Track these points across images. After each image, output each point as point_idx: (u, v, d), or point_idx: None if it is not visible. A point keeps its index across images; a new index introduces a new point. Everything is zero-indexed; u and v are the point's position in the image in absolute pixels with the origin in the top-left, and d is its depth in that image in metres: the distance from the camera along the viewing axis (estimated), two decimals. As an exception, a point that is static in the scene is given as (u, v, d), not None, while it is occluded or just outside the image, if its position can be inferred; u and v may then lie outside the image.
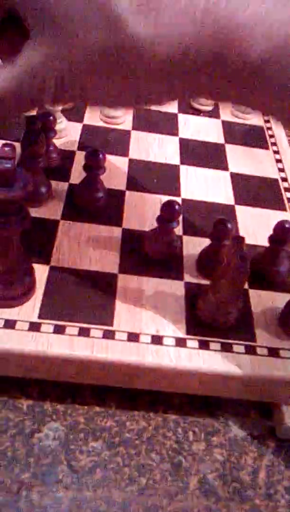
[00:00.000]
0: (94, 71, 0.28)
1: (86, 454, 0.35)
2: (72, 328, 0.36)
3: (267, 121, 0.64)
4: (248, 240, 0.45)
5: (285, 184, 0.54)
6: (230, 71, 0.27)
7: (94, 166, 0.43)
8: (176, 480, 0.35)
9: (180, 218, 0.45)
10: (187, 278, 0.41)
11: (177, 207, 0.39)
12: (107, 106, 0.37)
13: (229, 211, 0.49)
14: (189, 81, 0.28)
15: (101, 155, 0.42)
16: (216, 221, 0.39)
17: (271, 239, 0.41)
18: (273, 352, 0.37)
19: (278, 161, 0.57)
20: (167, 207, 0.39)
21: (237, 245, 0.33)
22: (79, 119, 0.57)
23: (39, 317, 0.36)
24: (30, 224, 0.33)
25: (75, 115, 0.58)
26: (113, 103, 0.32)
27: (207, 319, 0.38)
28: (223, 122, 0.62)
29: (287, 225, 0.40)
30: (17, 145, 0.43)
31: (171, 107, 0.63)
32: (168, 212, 0.39)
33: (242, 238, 0.34)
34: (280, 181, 0.54)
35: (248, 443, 0.38)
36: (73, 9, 0.26)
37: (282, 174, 0.55)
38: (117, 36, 0.26)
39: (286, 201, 0.51)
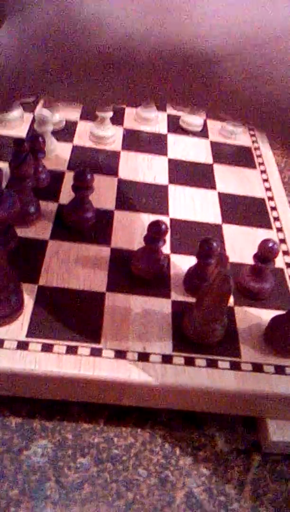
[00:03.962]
0: (48, 52, 0.27)
1: (74, 470, 0.36)
2: (60, 346, 0.37)
3: (254, 142, 0.65)
4: (235, 258, 0.46)
5: (271, 203, 0.55)
6: (189, 69, 0.26)
7: (82, 186, 0.44)
8: (162, 495, 0.35)
9: (168, 237, 0.46)
10: (174, 296, 0.42)
11: (163, 226, 0.40)
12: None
13: (217, 229, 0.50)
14: (133, 78, 0.27)
15: (89, 176, 0.43)
16: (201, 241, 0.40)
17: (255, 257, 0.42)
18: (258, 368, 0.38)
19: (265, 180, 0.59)
20: (154, 226, 0.40)
21: (221, 264, 0.34)
22: (69, 139, 0.58)
23: (27, 335, 0.37)
24: (17, 244, 0.34)
25: (65, 135, 0.59)
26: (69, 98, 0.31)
27: (193, 336, 0.38)
28: (212, 143, 0.64)
29: (270, 244, 0.41)
30: (6, 165, 0.44)
31: (161, 128, 0.64)
32: (154, 232, 0.40)
33: (226, 257, 0.35)
34: (266, 200, 0.55)
35: (234, 457, 0.38)
36: None
37: (269, 193, 0.57)
38: (66, 14, 0.25)
39: (272, 220, 0.53)
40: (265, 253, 0.41)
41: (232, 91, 0.27)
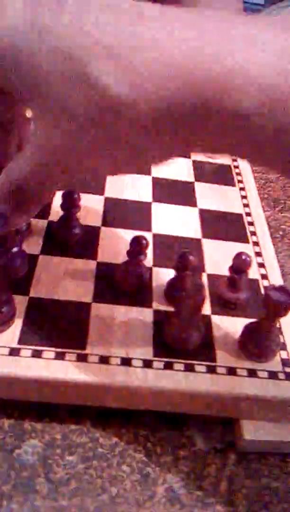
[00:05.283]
0: (85, 139, 0.27)
1: (62, 467, 0.38)
2: (49, 353, 0.40)
3: (234, 160, 0.69)
4: (214, 271, 0.50)
5: (249, 219, 0.59)
6: (218, 123, 0.26)
7: (69, 205, 0.47)
8: (144, 489, 0.38)
9: (150, 251, 0.50)
10: (156, 306, 0.45)
11: (144, 241, 0.44)
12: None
13: (197, 244, 0.53)
14: (175, 136, 0.27)
15: (76, 195, 0.47)
16: (179, 254, 0.43)
17: (230, 269, 0.46)
18: (232, 371, 0.41)
19: (243, 197, 0.62)
20: (135, 242, 0.44)
21: (194, 276, 0.38)
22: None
23: (19, 343, 0.40)
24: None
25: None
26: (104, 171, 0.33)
27: (172, 343, 0.42)
28: (194, 162, 0.67)
29: (243, 257, 0.44)
30: None
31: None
32: (136, 246, 0.44)
33: (199, 269, 0.38)
34: (244, 215, 0.59)
35: (212, 455, 0.41)
36: (53, 75, 0.26)
37: (247, 209, 0.60)
38: (96, 98, 0.26)
39: (249, 234, 0.56)
40: (238, 265, 0.44)
41: (264, 143, 0.27)
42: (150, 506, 0.37)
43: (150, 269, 0.48)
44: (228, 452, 0.42)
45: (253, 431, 0.41)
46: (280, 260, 0.61)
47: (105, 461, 0.39)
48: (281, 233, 0.67)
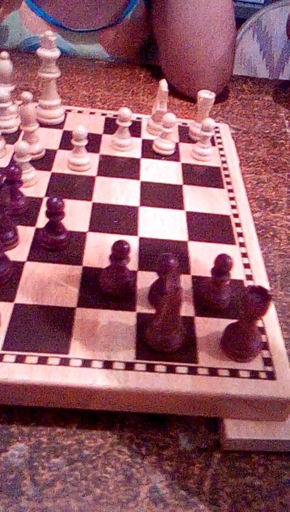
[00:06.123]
0: None
1: (47, 470, 0.39)
2: (32, 357, 0.41)
3: (223, 162, 0.70)
4: (199, 272, 0.50)
5: (236, 220, 0.59)
6: None
7: (53, 212, 0.48)
8: (128, 490, 0.39)
9: (136, 255, 0.51)
10: (139, 309, 0.46)
11: (125, 246, 0.44)
12: None
13: (183, 246, 0.54)
14: None
15: (59, 202, 0.48)
16: (159, 257, 0.44)
17: (213, 271, 0.46)
18: (213, 372, 0.42)
19: (232, 198, 0.63)
20: (116, 246, 0.44)
21: (173, 278, 0.38)
22: (48, 168, 0.63)
23: (3, 348, 0.41)
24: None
25: (44, 164, 0.63)
26: None
27: (153, 345, 0.42)
28: (183, 165, 0.68)
29: (224, 258, 0.45)
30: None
31: (135, 153, 0.69)
32: (117, 251, 0.44)
33: (177, 271, 0.39)
34: (231, 217, 0.59)
35: (196, 455, 0.42)
36: None
37: (234, 211, 0.61)
38: None
39: (236, 236, 0.57)
40: (220, 267, 0.45)
41: None
42: (134, 506, 0.38)
43: (135, 273, 0.49)
44: (212, 451, 0.42)
45: (236, 430, 0.42)
46: (271, 260, 0.62)
47: (90, 462, 0.40)
48: (271, 233, 0.67)
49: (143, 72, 1.06)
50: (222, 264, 0.45)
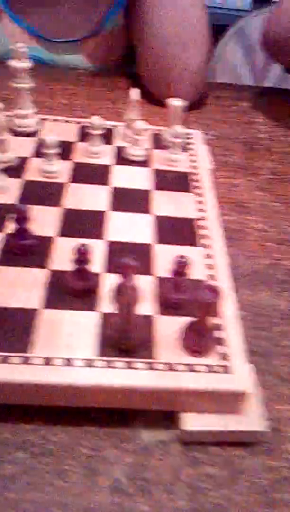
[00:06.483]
0: None
1: (12, 464, 0.41)
2: (-4, 357, 0.43)
3: (193, 167, 0.72)
4: (163, 274, 0.52)
5: (203, 223, 0.61)
6: None
7: (19, 218, 0.50)
8: (89, 481, 0.41)
9: (103, 257, 0.53)
10: (103, 309, 0.48)
11: (82, 248, 0.46)
12: None
13: (148, 249, 0.56)
14: None
15: (23, 209, 0.50)
16: (118, 259, 0.46)
17: (172, 272, 0.48)
18: (170, 367, 0.44)
19: (199, 202, 0.65)
20: (77, 250, 0.46)
21: (126, 277, 0.40)
22: (20, 175, 0.65)
23: None
24: None
25: (17, 172, 0.65)
26: None
27: (113, 342, 0.44)
28: (153, 170, 0.70)
29: (178, 259, 0.47)
30: None
31: (107, 160, 0.71)
32: (77, 254, 0.47)
33: (133, 271, 0.41)
34: (197, 220, 0.61)
35: (157, 448, 0.44)
36: None
37: (202, 214, 0.63)
38: None
39: (198, 238, 0.59)
40: (176, 268, 0.47)
41: None
42: (95, 496, 0.40)
43: (97, 274, 0.51)
44: (173, 444, 0.44)
45: (193, 423, 0.43)
46: (239, 261, 0.64)
47: (53, 456, 0.42)
48: (241, 235, 0.70)
49: (123, 80, 1.08)
50: (177, 265, 0.47)
